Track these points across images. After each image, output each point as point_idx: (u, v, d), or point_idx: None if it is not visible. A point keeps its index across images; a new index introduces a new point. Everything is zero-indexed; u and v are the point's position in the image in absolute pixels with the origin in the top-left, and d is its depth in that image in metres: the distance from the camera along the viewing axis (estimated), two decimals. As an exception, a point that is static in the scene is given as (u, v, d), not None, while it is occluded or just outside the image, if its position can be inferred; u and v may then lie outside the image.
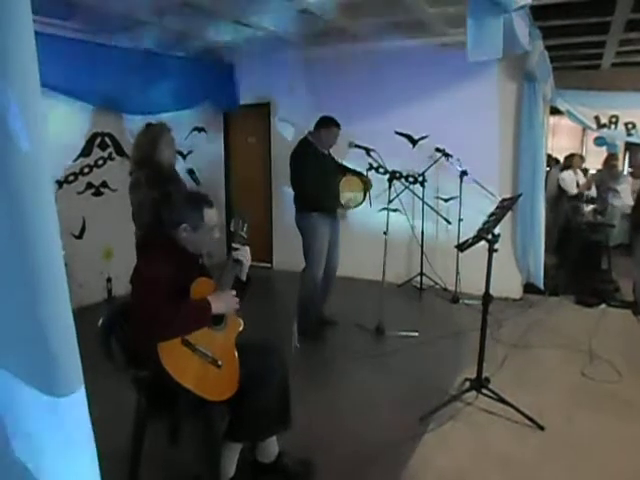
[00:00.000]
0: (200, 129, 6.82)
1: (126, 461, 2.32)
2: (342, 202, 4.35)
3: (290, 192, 4.50)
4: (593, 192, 7.12)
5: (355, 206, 4.47)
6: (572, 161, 7.28)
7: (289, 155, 4.37)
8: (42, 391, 0.93)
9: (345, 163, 4.67)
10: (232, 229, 2.33)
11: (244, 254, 2.33)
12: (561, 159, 7.79)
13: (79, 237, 5.17)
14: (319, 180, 4.20)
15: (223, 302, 2.21)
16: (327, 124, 4.34)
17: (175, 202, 2.32)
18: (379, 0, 4.31)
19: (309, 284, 4.38)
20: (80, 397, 0.99)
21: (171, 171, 3.76)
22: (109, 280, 5.52)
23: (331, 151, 4.50)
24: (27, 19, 0.87)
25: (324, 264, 4.39)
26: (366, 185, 4.48)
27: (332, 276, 4.58)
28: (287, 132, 6.45)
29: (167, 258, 2.21)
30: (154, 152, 3.63)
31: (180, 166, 3.97)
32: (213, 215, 2.32)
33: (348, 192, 4.40)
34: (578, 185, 7.10)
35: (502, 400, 3.15)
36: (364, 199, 4.49)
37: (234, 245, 2.32)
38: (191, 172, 3.97)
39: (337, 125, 4.35)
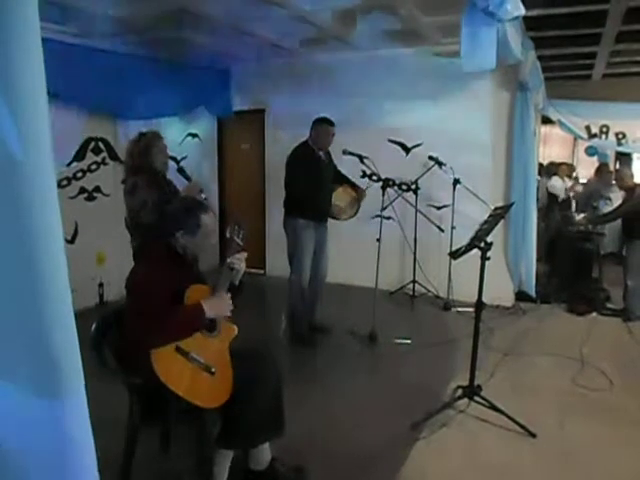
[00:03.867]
0: (194, 135, 6.83)
1: (118, 467, 2.30)
2: (333, 212, 4.35)
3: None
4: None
5: (346, 218, 4.48)
6: (558, 169, 7.38)
7: (284, 161, 4.39)
8: (43, 394, 0.93)
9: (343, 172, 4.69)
10: (228, 235, 2.34)
11: (239, 261, 2.34)
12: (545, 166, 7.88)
13: (71, 242, 5.13)
14: (310, 185, 4.19)
15: (216, 306, 2.21)
16: (318, 122, 4.36)
17: (172, 209, 2.34)
18: (373, 8, 4.35)
19: (293, 289, 4.40)
20: (80, 399, 1.00)
21: (164, 178, 3.76)
22: (101, 285, 5.49)
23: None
24: (34, 29, 0.88)
25: (308, 270, 4.39)
26: (359, 197, 4.49)
27: (320, 284, 4.58)
28: (282, 138, 6.46)
29: (163, 264, 2.22)
30: (147, 160, 3.64)
31: (172, 170, 3.97)
32: (209, 220, 2.34)
33: (340, 203, 4.40)
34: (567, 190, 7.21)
35: (494, 407, 3.16)
36: (356, 212, 4.50)
37: (229, 252, 2.32)
38: (181, 171, 3.97)
39: (329, 123, 4.35)
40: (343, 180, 4.58)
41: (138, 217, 3.54)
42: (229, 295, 2.27)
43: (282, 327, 4.50)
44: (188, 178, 3.89)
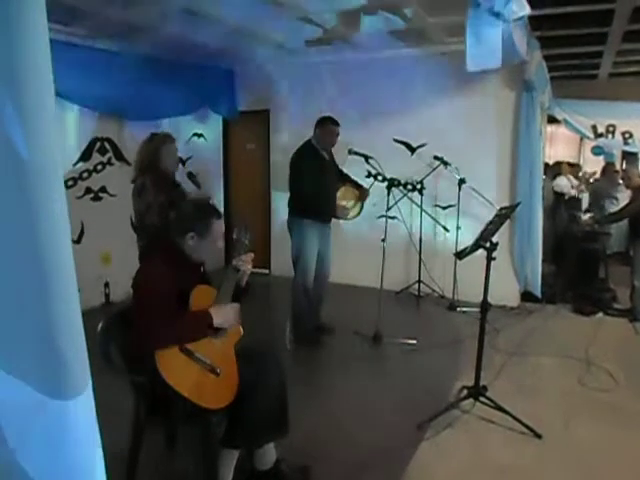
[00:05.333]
0: (199, 135, 6.84)
1: (123, 466, 2.31)
2: (337, 212, 4.36)
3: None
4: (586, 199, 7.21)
5: (351, 217, 4.48)
6: (560, 168, 7.36)
7: (288, 161, 4.39)
8: (50, 394, 0.93)
9: (345, 171, 4.69)
10: (235, 237, 2.34)
11: (245, 262, 2.34)
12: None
13: (77, 242, 5.15)
14: (315, 185, 4.19)
15: (226, 316, 2.21)
16: (322, 122, 4.36)
17: (185, 210, 2.34)
18: (378, 9, 4.34)
19: (298, 292, 4.40)
20: (87, 399, 1.00)
21: (173, 179, 3.77)
22: (107, 285, 5.51)
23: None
24: (42, 27, 0.88)
25: (313, 271, 4.40)
26: (362, 196, 4.49)
27: (324, 284, 4.58)
28: (286, 139, 6.46)
29: (170, 264, 2.22)
30: (156, 161, 3.65)
31: (179, 171, 3.98)
32: (220, 226, 2.34)
33: (344, 202, 4.40)
34: (573, 188, 7.19)
35: (500, 408, 3.15)
36: (359, 212, 4.51)
37: (236, 253, 2.33)
38: (191, 175, 3.98)
39: (333, 122, 4.35)
40: (346, 180, 4.59)
41: (143, 219, 3.56)
42: (238, 305, 2.28)
43: (287, 332, 4.48)
44: (198, 184, 3.89)
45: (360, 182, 4.69)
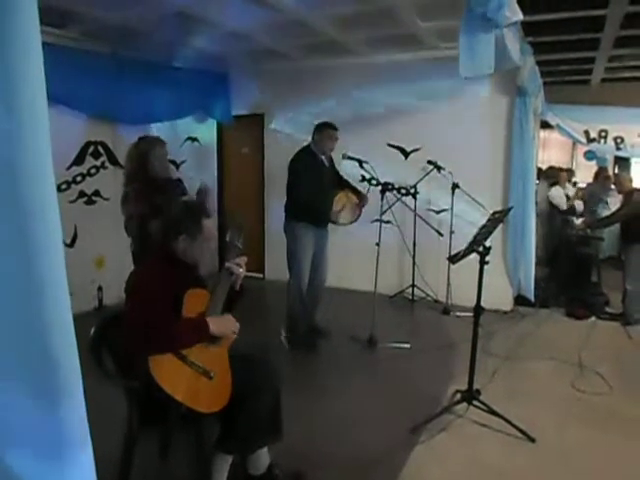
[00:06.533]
0: (193, 139, 6.84)
1: (116, 472, 2.29)
2: (333, 217, 4.37)
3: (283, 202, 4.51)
4: (580, 205, 7.22)
5: (346, 223, 4.49)
6: (558, 176, 7.37)
7: (283, 165, 4.40)
8: (41, 397, 0.93)
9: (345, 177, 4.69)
10: (228, 240, 2.33)
11: (239, 265, 2.33)
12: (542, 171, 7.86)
13: (70, 245, 5.14)
14: (312, 190, 4.20)
15: (222, 325, 2.19)
16: (320, 127, 4.38)
17: (174, 213, 2.34)
18: (371, 14, 4.36)
19: (292, 293, 4.41)
20: (79, 402, 0.99)
21: (165, 184, 3.72)
22: (100, 289, 5.48)
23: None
24: (34, 30, 0.88)
25: (307, 274, 4.40)
26: (361, 202, 4.50)
27: (320, 288, 4.58)
28: (281, 143, 6.47)
29: (163, 268, 2.21)
30: (145, 166, 3.61)
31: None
32: (210, 226, 2.34)
33: (341, 208, 4.41)
34: (568, 198, 7.19)
35: (493, 412, 3.16)
36: (357, 218, 4.51)
37: (229, 256, 2.32)
38: (179, 181, 3.95)
39: (331, 127, 4.37)
40: (345, 185, 4.59)
41: (129, 226, 3.56)
42: (234, 320, 2.27)
43: (282, 335, 4.49)
44: (185, 191, 3.85)
45: (359, 188, 4.69)
